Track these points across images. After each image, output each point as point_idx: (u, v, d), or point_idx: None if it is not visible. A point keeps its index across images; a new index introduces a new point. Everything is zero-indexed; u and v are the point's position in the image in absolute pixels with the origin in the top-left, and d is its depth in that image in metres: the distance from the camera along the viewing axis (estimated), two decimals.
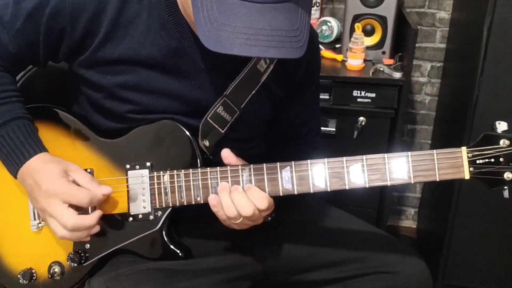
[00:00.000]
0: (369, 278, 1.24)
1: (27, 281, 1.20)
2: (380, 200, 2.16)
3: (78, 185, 1.10)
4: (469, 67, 1.92)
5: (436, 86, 2.50)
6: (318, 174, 1.08)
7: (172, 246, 1.18)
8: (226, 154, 1.11)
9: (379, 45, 2.10)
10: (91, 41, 1.12)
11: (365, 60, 2.05)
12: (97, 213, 1.09)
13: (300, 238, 1.30)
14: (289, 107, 1.34)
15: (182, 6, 1.10)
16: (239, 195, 1.07)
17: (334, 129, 2.02)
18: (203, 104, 1.19)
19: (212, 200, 1.08)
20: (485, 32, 1.76)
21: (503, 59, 1.78)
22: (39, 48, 1.15)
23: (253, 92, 1.20)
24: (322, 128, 1.95)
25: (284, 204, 1.32)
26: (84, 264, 1.19)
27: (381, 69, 1.99)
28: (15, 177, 1.13)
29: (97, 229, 1.10)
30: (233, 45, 0.89)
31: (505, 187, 1.04)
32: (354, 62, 2.02)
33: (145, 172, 1.17)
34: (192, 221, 1.27)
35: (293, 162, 1.09)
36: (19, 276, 1.20)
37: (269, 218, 1.17)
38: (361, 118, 2.00)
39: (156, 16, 1.12)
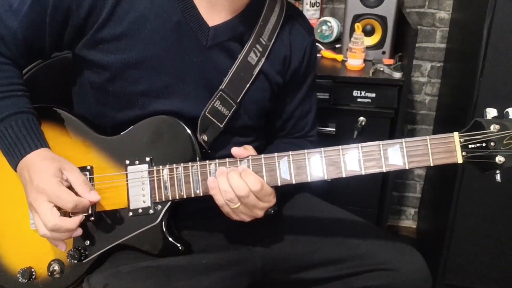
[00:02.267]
0: (368, 276, 1.24)
1: (26, 280, 1.20)
2: (380, 200, 2.16)
3: (71, 185, 1.10)
4: (469, 67, 1.92)
5: (436, 86, 2.50)
6: (315, 163, 1.10)
7: (172, 240, 1.19)
8: (236, 152, 1.13)
9: (379, 45, 2.10)
10: (96, 18, 1.13)
11: (365, 60, 2.05)
12: (79, 218, 1.08)
13: (299, 236, 1.31)
14: (287, 100, 1.36)
15: None
16: (235, 175, 1.08)
17: (334, 129, 2.02)
18: (204, 84, 1.20)
19: (210, 182, 1.10)
20: (485, 32, 1.76)
21: (503, 59, 1.78)
22: (46, 33, 1.16)
23: (248, 85, 1.22)
24: (322, 128, 1.96)
25: (284, 202, 1.32)
26: (84, 261, 1.19)
27: (381, 69, 1.99)
28: (15, 170, 1.14)
29: (79, 232, 1.10)
30: None
31: (497, 171, 1.06)
32: (354, 62, 2.02)
33: (145, 167, 1.18)
34: (192, 217, 1.28)
35: (290, 152, 1.11)
36: (18, 275, 1.20)
37: (272, 211, 1.17)
38: (361, 118, 2.00)
39: None
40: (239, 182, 1.08)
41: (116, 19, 1.13)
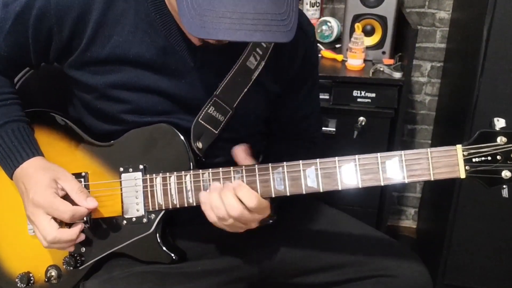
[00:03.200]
0: (368, 282, 1.23)
1: (24, 285, 1.20)
2: (380, 200, 2.16)
3: (66, 194, 1.10)
4: (469, 67, 1.91)
5: (436, 86, 2.49)
6: (310, 175, 1.07)
7: (166, 249, 1.18)
8: (238, 151, 1.11)
9: (379, 45, 2.09)
10: (79, 41, 1.12)
11: (365, 60, 2.05)
12: (78, 227, 1.09)
13: (298, 240, 1.30)
14: (287, 103, 1.33)
15: (169, 2, 1.10)
16: (229, 193, 1.06)
17: (334, 129, 2.02)
18: (194, 103, 1.19)
19: (202, 196, 1.08)
20: (485, 32, 1.76)
21: (503, 59, 1.77)
22: (30, 50, 1.15)
23: (245, 90, 1.20)
24: (322, 128, 1.95)
25: (282, 206, 1.31)
26: (80, 268, 1.19)
27: (381, 69, 1.99)
28: (12, 179, 1.14)
29: (81, 238, 1.10)
30: (217, 30, 0.87)
31: (504, 186, 1.01)
32: (354, 62, 2.01)
33: (138, 174, 1.17)
34: (187, 224, 1.27)
35: (285, 163, 1.08)
36: (16, 280, 1.21)
37: (270, 221, 1.16)
38: (361, 118, 1.99)
39: (143, 14, 1.12)
40: (233, 201, 1.05)
41: (99, 43, 1.12)
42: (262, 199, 1.08)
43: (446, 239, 2.09)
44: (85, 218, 1.12)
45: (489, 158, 1.00)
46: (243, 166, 1.10)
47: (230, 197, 1.05)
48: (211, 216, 1.08)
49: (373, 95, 1.97)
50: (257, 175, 1.09)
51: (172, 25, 1.13)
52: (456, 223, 2.06)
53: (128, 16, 1.12)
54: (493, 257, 2.09)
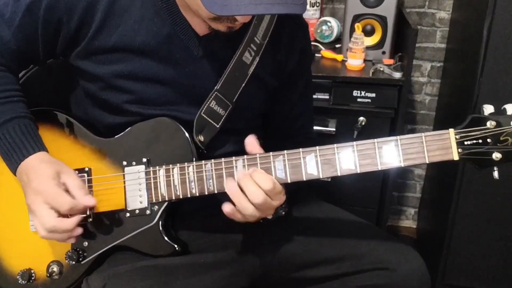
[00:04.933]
0: (367, 275, 1.23)
1: (26, 281, 1.20)
2: (380, 200, 2.16)
3: (68, 189, 1.11)
4: (469, 67, 1.91)
5: (436, 86, 2.50)
6: (310, 162, 1.09)
7: (169, 241, 1.19)
8: (251, 141, 1.11)
9: (379, 45, 2.10)
10: (87, 30, 1.15)
11: (365, 60, 2.05)
12: (76, 218, 1.09)
13: (298, 235, 1.30)
14: (283, 99, 1.35)
15: None
16: (249, 183, 1.06)
17: (334, 129, 2.02)
18: (197, 92, 1.21)
19: (226, 207, 1.07)
20: (485, 32, 1.76)
21: (503, 59, 1.78)
22: (38, 43, 1.18)
23: (243, 84, 1.22)
24: (322, 128, 1.96)
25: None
26: (82, 262, 1.19)
27: (381, 69, 1.99)
28: (15, 174, 1.14)
29: (78, 231, 1.11)
30: (239, 7, 0.93)
31: (495, 168, 1.05)
32: (354, 62, 2.02)
33: (142, 167, 1.18)
34: (190, 216, 1.28)
35: (285, 151, 1.10)
36: (18, 276, 1.21)
37: (283, 213, 1.18)
38: (361, 118, 2.00)
39: (149, 3, 1.15)
40: (255, 189, 1.05)
41: (107, 32, 1.15)
42: (277, 183, 1.08)
43: (446, 239, 2.10)
44: (88, 212, 1.13)
45: (480, 141, 1.04)
46: (245, 156, 1.12)
47: (252, 186, 1.06)
48: (239, 218, 1.09)
49: (373, 95, 1.98)
50: (258, 164, 1.10)
51: (177, 14, 1.16)
52: (456, 223, 2.06)
53: (135, 5, 1.15)
54: (493, 257, 2.09)
